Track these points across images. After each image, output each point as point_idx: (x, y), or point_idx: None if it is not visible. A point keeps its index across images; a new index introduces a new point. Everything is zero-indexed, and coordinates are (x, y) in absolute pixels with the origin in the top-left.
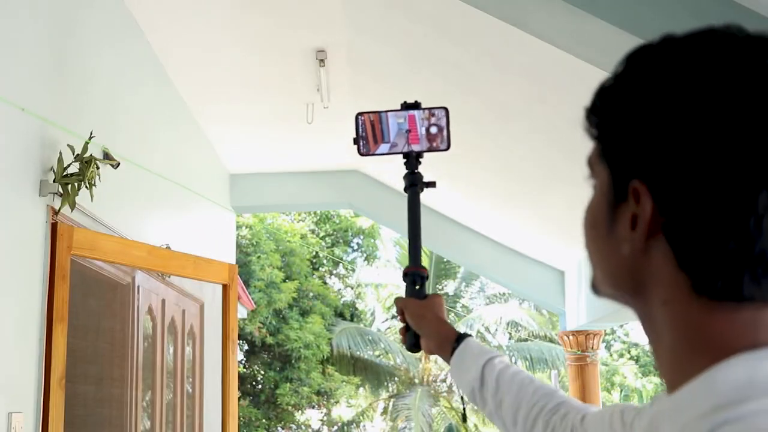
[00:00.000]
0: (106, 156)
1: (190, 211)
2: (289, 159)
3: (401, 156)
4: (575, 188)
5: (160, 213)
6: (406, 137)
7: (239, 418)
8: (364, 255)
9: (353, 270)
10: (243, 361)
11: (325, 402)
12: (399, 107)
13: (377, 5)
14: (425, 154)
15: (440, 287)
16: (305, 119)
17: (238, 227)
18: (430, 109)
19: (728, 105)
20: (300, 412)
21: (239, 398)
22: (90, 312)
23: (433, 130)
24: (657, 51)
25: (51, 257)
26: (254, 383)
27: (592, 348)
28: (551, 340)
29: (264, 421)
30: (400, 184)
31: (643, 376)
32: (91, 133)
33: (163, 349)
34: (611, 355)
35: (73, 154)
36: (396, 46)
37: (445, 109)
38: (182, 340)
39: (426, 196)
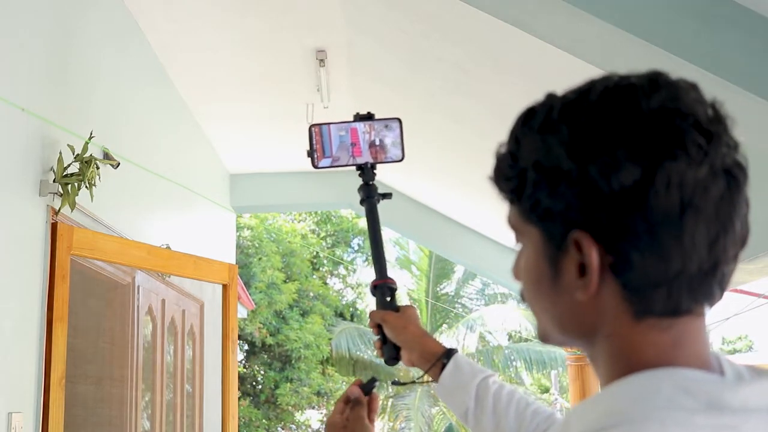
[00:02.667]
0: (106, 156)
1: (190, 211)
2: (289, 159)
3: (355, 168)
4: None
5: (160, 213)
6: (349, 150)
7: (239, 418)
8: (365, 255)
9: (353, 270)
10: (243, 362)
11: (325, 402)
12: (351, 119)
13: (377, 5)
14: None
15: (440, 287)
16: (305, 119)
17: (239, 228)
18: (382, 120)
19: (638, 148)
20: (300, 412)
21: (239, 398)
22: (90, 312)
23: (386, 141)
24: (555, 114)
25: (51, 257)
26: (254, 383)
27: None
28: None
29: (264, 421)
30: (400, 185)
31: None
32: (91, 133)
33: (163, 349)
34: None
35: (73, 154)
36: (396, 46)
37: (398, 120)
38: (182, 340)
39: (426, 197)
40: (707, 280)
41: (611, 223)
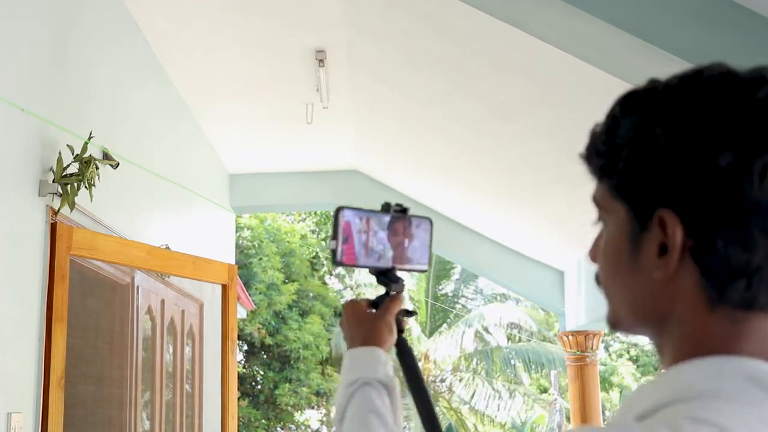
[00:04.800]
0: (106, 156)
1: (190, 211)
2: (288, 159)
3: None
4: (575, 188)
5: (159, 213)
6: (378, 251)
7: (238, 418)
8: None
9: (353, 270)
10: (242, 362)
11: (324, 402)
12: (380, 209)
13: (377, 5)
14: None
15: (440, 287)
16: (305, 119)
17: (239, 228)
18: (414, 217)
19: (734, 135)
20: (299, 412)
21: (238, 398)
22: (89, 312)
23: (414, 243)
24: (660, 95)
25: (50, 257)
26: (254, 384)
27: (592, 348)
28: (551, 341)
29: (263, 421)
30: (400, 185)
31: (642, 375)
32: (90, 134)
33: (163, 350)
34: (610, 356)
35: (73, 154)
36: (396, 47)
37: (429, 220)
38: (182, 341)
39: (425, 197)
40: None
41: (700, 205)
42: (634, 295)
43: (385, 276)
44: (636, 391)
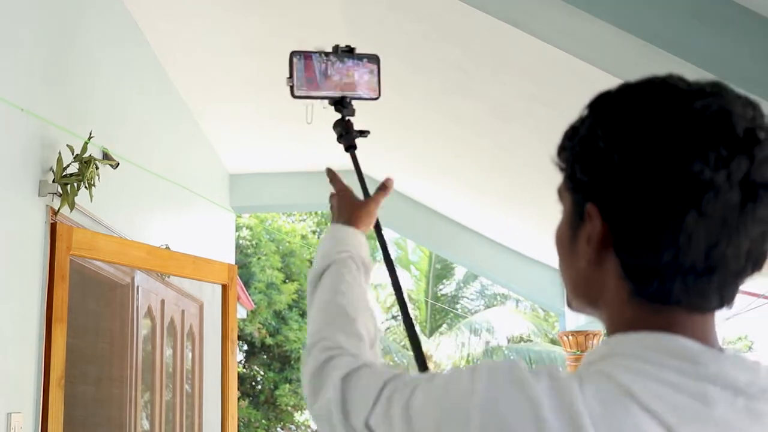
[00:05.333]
0: (106, 156)
1: (190, 211)
2: (288, 159)
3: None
4: None
5: (159, 213)
6: (326, 82)
7: (238, 418)
8: None
9: None
10: (242, 362)
11: None
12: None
13: (377, 6)
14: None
15: (439, 288)
16: (305, 119)
17: (239, 228)
18: (361, 55)
19: (658, 144)
20: (299, 412)
21: (238, 399)
22: (89, 312)
23: (364, 77)
24: (608, 100)
25: (50, 257)
26: (254, 384)
27: (592, 348)
28: (551, 341)
29: (263, 421)
30: (400, 185)
31: None
32: (90, 134)
33: (163, 350)
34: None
35: (73, 154)
36: (396, 47)
37: (376, 57)
38: (182, 341)
39: (425, 197)
40: (701, 281)
41: (618, 203)
42: (574, 279)
43: (339, 104)
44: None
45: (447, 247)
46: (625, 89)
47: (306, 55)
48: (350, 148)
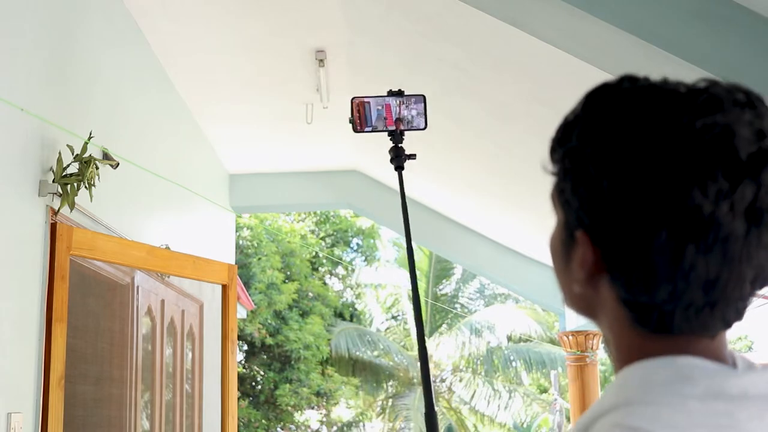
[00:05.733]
0: (106, 156)
1: (190, 211)
2: (288, 159)
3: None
4: None
5: (159, 213)
6: (384, 120)
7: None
8: (364, 256)
9: (353, 270)
10: (242, 362)
11: (324, 403)
12: (385, 93)
13: (377, 6)
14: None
15: (439, 287)
16: (305, 119)
17: (239, 228)
18: (410, 96)
19: (652, 171)
20: (299, 412)
21: (238, 399)
22: (89, 312)
23: (412, 113)
24: (603, 106)
25: (50, 257)
26: (254, 384)
27: (592, 348)
28: (551, 341)
29: (263, 421)
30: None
31: None
32: (90, 134)
33: (163, 350)
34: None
35: (73, 154)
36: (396, 47)
37: (423, 96)
38: (182, 341)
39: (425, 197)
40: (702, 314)
41: (611, 236)
42: (569, 290)
43: (392, 134)
44: (597, 400)
45: (447, 247)
46: (622, 97)
47: (364, 100)
48: (399, 168)
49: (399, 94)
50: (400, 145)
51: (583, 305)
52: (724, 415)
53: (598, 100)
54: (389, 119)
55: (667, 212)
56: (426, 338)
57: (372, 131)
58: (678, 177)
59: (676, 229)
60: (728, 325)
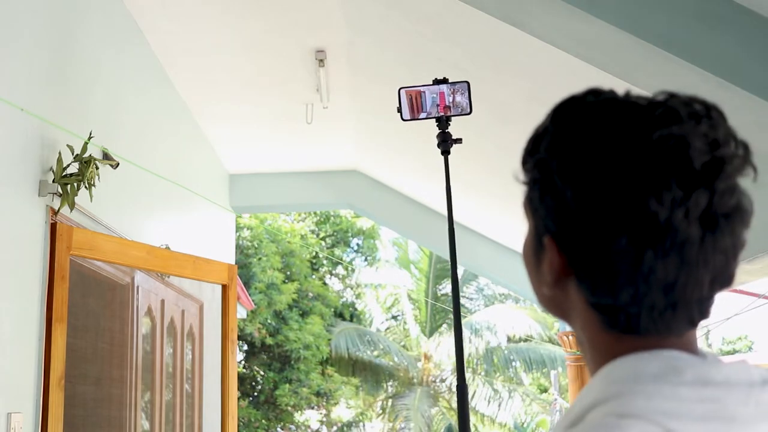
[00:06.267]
0: (106, 156)
1: (190, 211)
2: (288, 159)
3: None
4: None
5: (159, 213)
6: (436, 107)
7: (238, 418)
8: (364, 256)
9: (353, 270)
10: (242, 362)
11: (324, 403)
12: (431, 82)
13: (377, 6)
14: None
15: (440, 287)
16: (305, 119)
17: (239, 228)
18: (454, 83)
19: (612, 182)
20: (299, 412)
21: (238, 399)
22: (89, 312)
23: (458, 98)
24: (567, 120)
25: (50, 257)
26: (254, 384)
27: None
28: (551, 341)
29: (263, 421)
30: (400, 185)
31: None
32: (90, 134)
33: (163, 350)
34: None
35: (73, 154)
36: (395, 47)
37: (467, 83)
38: (182, 341)
39: (425, 197)
40: (665, 315)
41: (575, 241)
42: (540, 293)
43: (439, 120)
44: (578, 395)
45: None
46: (585, 110)
47: (408, 90)
48: (445, 153)
49: (445, 81)
50: (447, 130)
51: (554, 307)
52: (713, 400)
53: (563, 113)
54: (441, 106)
55: (626, 219)
56: (427, 337)
57: (426, 117)
58: (635, 186)
59: (634, 236)
60: (694, 324)
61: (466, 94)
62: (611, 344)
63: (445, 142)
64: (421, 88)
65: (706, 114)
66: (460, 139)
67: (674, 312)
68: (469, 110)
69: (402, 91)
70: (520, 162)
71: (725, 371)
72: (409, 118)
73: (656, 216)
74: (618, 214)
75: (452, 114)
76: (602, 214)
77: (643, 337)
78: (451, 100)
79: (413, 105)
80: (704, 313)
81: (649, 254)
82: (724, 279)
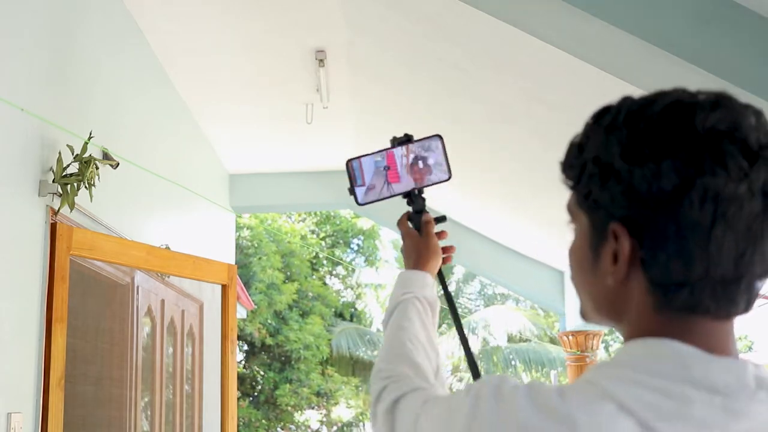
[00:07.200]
0: (106, 156)
1: (190, 211)
2: (288, 159)
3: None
4: None
5: (159, 213)
6: (384, 177)
7: (239, 418)
8: (365, 256)
9: (353, 271)
10: (243, 362)
11: (324, 403)
12: (389, 144)
13: (377, 5)
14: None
15: (439, 287)
16: (305, 119)
17: (239, 228)
18: (420, 140)
19: (679, 161)
20: (299, 412)
21: (239, 399)
22: (89, 312)
23: (428, 161)
24: (618, 116)
25: (50, 257)
26: (254, 384)
27: (592, 348)
28: (551, 341)
29: (263, 421)
30: None
31: None
32: (90, 134)
33: (163, 350)
34: (610, 355)
35: (73, 154)
36: (395, 47)
37: (439, 137)
38: (181, 341)
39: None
40: (730, 288)
41: (646, 222)
42: (595, 296)
43: (408, 197)
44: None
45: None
46: (639, 106)
47: (361, 160)
48: (420, 231)
49: (407, 140)
50: (420, 209)
51: (609, 304)
52: (677, 396)
53: (610, 112)
54: (393, 175)
55: (696, 195)
56: None
57: (377, 199)
58: (701, 163)
59: (705, 210)
60: (748, 305)
61: (441, 152)
62: (657, 326)
63: (420, 229)
64: (361, 158)
65: (750, 106)
66: (444, 218)
67: (738, 285)
68: (447, 175)
69: (348, 164)
70: (562, 169)
71: (707, 372)
72: (365, 201)
73: (724, 189)
74: (688, 191)
75: (422, 185)
76: (673, 193)
77: (694, 318)
78: (414, 164)
79: (370, 180)
80: (756, 297)
81: (720, 226)
82: None
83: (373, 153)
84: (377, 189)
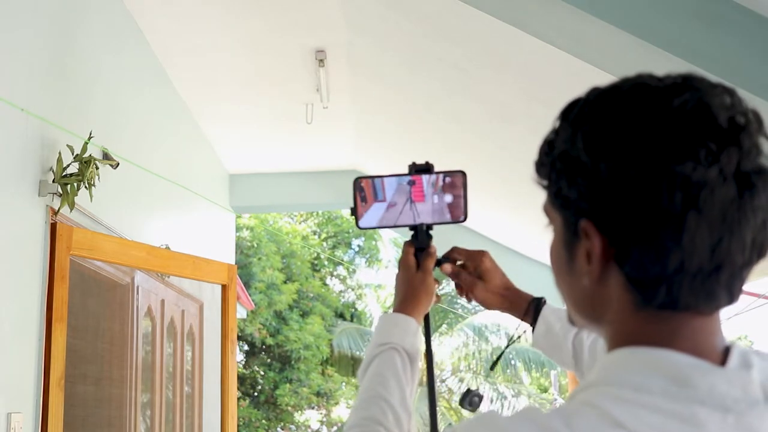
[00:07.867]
0: (106, 156)
1: (190, 211)
2: (288, 159)
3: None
4: None
5: (159, 213)
6: (408, 193)
7: (239, 418)
8: (365, 257)
9: (353, 271)
10: (243, 362)
11: (324, 403)
12: (406, 170)
13: (377, 5)
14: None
15: (439, 287)
16: (305, 119)
17: (239, 229)
18: (442, 173)
19: (644, 148)
20: (299, 412)
21: (239, 399)
22: (89, 312)
23: (445, 198)
24: (583, 109)
25: (50, 257)
26: (254, 384)
27: None
28: None
29: (263, 421)
30: None
31: None
32: (90, 134)
33: (163, 350)
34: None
35: (73, 154)
36: (395, 47)
37: (462, 173)
38: (181, 341)
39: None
40: (709, 281)
41: (614, 216)
42: (575, 298)
43: (414, 230)
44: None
45: (447, 247)
46: (600, 95)
47: (371, 182)
48: (419, 265)
49: (425, 170)
50: (423, 247)
51: (589, 306)
52: (689, 419)
53: (576, 105)
54: (406, 208)
55: (665, 183)
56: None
57: (379, 226)
58: (668, 149)
59: (675, 198)
60: (731, 298)
61: (461, 191)
62: (639, 326)
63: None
64: (382, 179)
65: (718, 85)
66: (447, 258)
67: (718, 277)
68: (462, 216)
69: (357, 182)
70: (535, 169)
71: (718, 385)
72: (366, 226)
73: (692, 175)
74: (655, 178)
75: (432, 223)
76: (640, 182)
77: (677, 316)
78: (433, 201)
79: (376, 203)
80: (740, 289)
81: (692, 214)
82: (762, 242)
83: (390, 176)
84: (386, 219)
